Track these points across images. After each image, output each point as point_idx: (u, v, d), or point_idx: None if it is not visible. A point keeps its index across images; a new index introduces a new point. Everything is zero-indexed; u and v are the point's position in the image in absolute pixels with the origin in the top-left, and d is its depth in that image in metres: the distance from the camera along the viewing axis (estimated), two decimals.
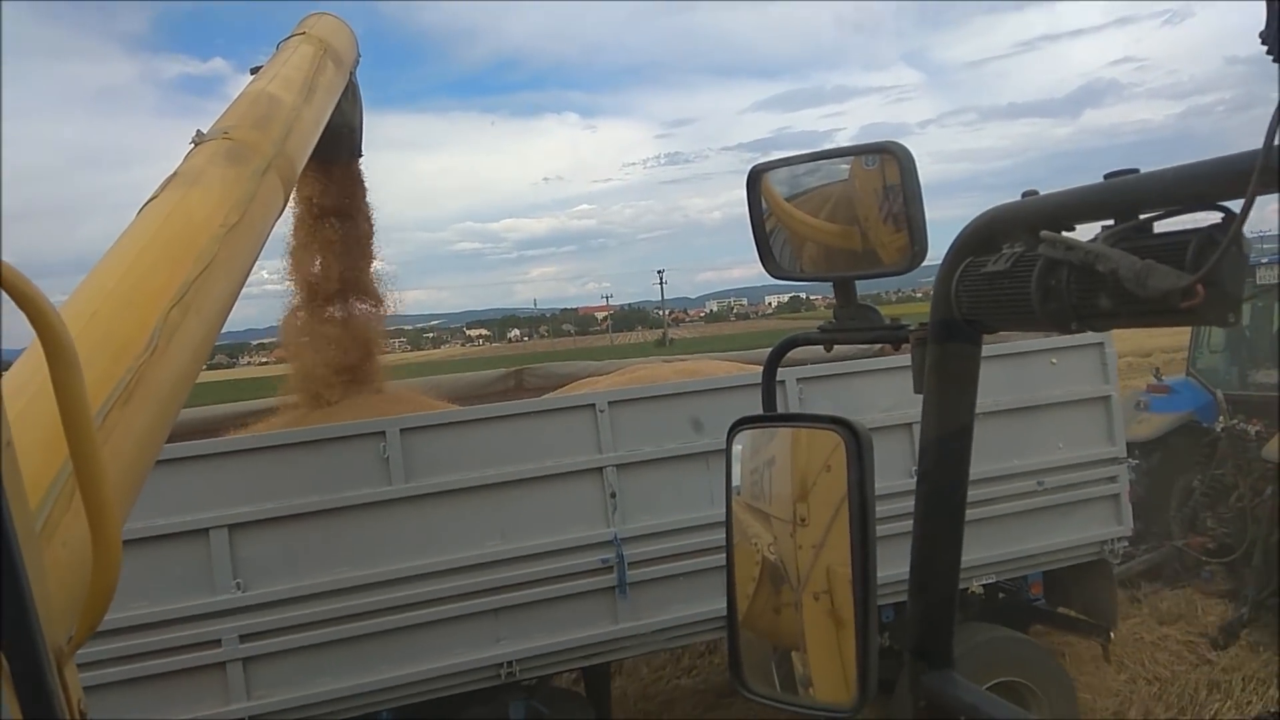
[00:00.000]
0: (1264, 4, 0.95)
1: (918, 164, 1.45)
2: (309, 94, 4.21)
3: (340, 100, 4.94)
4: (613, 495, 5.39)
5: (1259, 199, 0.89)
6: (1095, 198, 1.07)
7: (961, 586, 6.12)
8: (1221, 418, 9.27)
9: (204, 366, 2.67)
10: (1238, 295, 0.95)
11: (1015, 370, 6.13)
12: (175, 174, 3.10)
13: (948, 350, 1.28)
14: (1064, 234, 1.07)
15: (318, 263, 6.09)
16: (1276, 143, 0.85)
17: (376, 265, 6.40)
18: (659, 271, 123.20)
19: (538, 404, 5.82)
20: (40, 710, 0.90)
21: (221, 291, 2.70)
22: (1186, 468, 9.34)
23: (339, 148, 5.74)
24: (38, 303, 1.00)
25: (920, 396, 1.35)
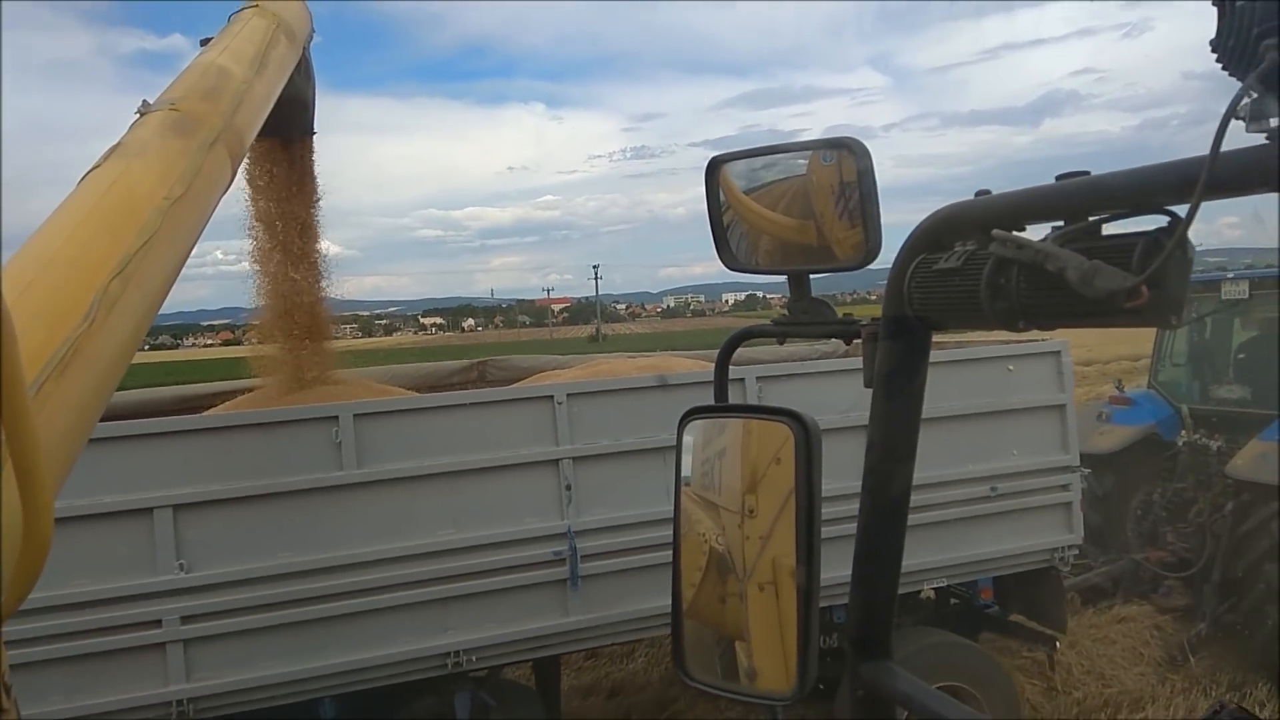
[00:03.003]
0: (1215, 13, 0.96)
1: (880, 166, 1.46)
2: (260, 68, 4.13)
3: (293, 75, 4.85)
4: (568, 488, 5.37)
5: (1214, 212, 0.90)
6: (1046, 198, 1.08)
7: (913, 590, 6.20)
8: (1184, 432, 9.31)
9: (145, 344, 2.63)
10: (1180, 298, 0.96)
11: (972, 376, 6.17)
12: (119, 144, 3.02)
13: (898, 346, 1.29)
14: (1015, 233, 1.08)
15: (267, 241, 6.00)
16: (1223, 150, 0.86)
17: (327, 247, 6.31)
18: (594, 266, 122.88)
19: (495, 394, 5.79)
20: None
21: (164, 265, 2.64)
22: (1146, 481, 9.37)
23: (291, 124, 5.65)
24: None
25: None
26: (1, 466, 1.51)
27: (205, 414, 5.65)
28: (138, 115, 3.28)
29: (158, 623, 4.69)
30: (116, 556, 4.63)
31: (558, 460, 5.38)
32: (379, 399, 5.52)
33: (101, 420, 2.28)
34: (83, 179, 2.78)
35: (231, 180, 3.64)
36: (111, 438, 4.57)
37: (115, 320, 2.21)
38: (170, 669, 4.69)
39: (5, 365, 1.06)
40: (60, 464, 1.88)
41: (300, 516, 4.94)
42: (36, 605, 4.29)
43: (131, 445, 4.68)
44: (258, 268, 6.06)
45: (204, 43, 4.37)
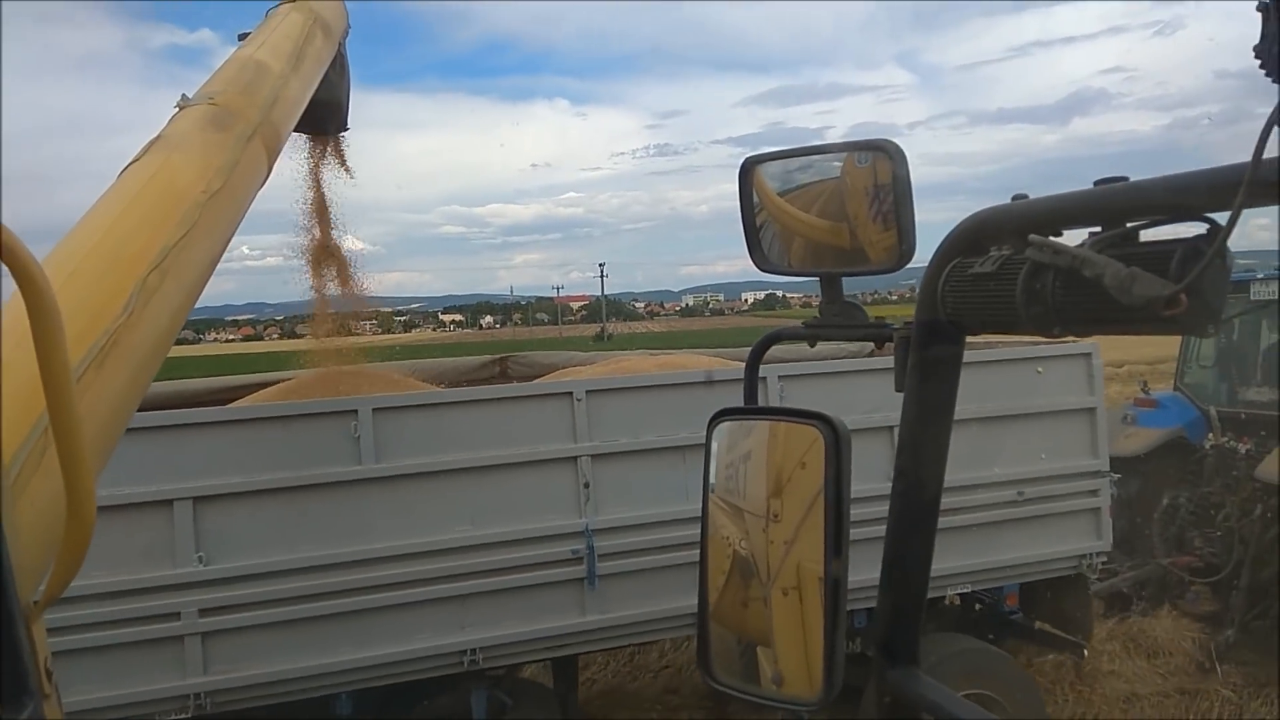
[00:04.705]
0: (1259, 17, 0.95)
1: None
2: (297, 63, 4.17)
3: (328, 71, 4.89)
4: (586, 485, 5.35)
5: (1244, 212, 0.89)
6: (1084, 204, 1.07)
7: (937, 595, 6.15)
8: (1212, 435, 9.16)
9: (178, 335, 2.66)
10: (1219, 306, 0.95)
11: (1000, 377, 6.10)
12: (159, 137, 3.06)
13: (931, 350, 1.28)
14: (1051, 239, 1.07)
15: (299, 236, 6.06)
16: (1265, 156, 0.85)
17: (352, 243, 6.35)
18: (600, 265, 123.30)
19: (514, 390, 5.78)
20: (10, 665, 0.90)
21: (201, 258, 2.67)
22: (1173, 485, 9.21)
23: (326, 120, 5.69)
24: (23, 258, 0.98)
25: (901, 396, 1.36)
26: (40, 457, 1.53)
27: (224, 407, 5.69)
28: (177, 109, 3.31)
29: (176, 615, 4.70)
30: (136, 548, 4.65)
31: (576, 458, 5.36)
32: (398, 394, 5.54)
33: None
34: (123, 171, 2.81)
35: (268, 175, 3.67)
36: (132, 429, 4.58)
37: (153, 312, 2.24)
38: (188, 662, 4.70)
39: (52, 355, 1.07)
40: (99, 455, 1.90)
41: (318, 511, 4.95)
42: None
43: (152, 437, 4.70)
44: (287, 263, 6.11)
45: (242, 38, 4.41)
